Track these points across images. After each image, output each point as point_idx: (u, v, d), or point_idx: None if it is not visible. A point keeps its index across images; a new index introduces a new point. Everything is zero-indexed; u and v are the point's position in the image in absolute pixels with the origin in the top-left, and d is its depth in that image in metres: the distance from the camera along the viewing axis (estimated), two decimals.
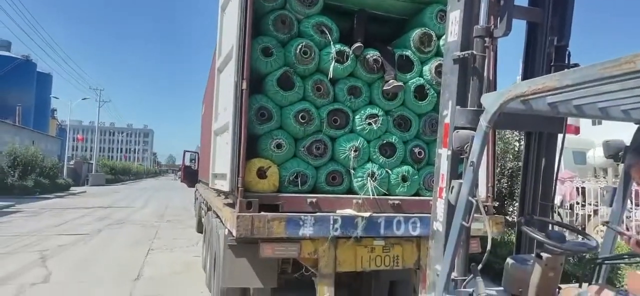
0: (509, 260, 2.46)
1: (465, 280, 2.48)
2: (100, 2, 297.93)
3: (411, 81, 4.04)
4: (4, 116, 30.93)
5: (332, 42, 3.82)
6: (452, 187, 2.21)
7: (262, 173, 3.60)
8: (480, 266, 2.23)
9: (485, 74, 2.53)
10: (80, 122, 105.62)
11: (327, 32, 3.85)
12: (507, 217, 8.03)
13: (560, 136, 2.86)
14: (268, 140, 3.71)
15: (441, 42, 4.06)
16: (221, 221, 4.24)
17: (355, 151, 3.83)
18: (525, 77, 2.82)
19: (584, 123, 15.46)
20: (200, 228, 9.19)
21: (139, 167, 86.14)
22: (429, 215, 2.79)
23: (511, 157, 9.08)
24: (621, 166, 2.45)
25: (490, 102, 2.00)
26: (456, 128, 2.36)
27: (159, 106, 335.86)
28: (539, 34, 2.80)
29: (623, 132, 2.67)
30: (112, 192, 29.69)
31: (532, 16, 2.81)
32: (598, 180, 9.30)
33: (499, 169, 8.48)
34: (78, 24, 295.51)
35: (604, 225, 2.44)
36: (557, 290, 2.27)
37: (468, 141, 2.17)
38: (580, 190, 9.01)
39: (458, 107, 2.47)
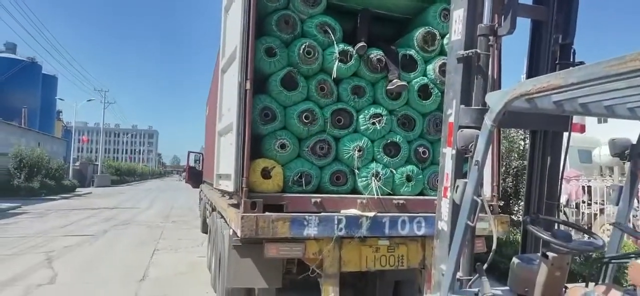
0: (515, 260, 2.45)
1: (470, 279, 2.47)
2: (105, 4, 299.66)
3: (415, 80, 4.03)
4: (10, 118, 31.16)
5: (335, 42, 3.82)
6: (457, 186, 2.20)
7: (266, 174, 3.61)
8: (485, 265, 2.22)
9: (489, 72, 2.52)
10: (85, 123, 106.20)
11: (330, 31, 3.84)
12: (513, 216, 8.01)
13: (565, 134, 2.84)
14: (272, 140, 3.71)
15: (445, 41, 4.05)
16: (226, 221, 4.25)
17: (359, 151, 3.82)
18: (529, 75, 2.81)
19: (590, 122, 15.36)
20: (205, 229, 9.22)
21: (143, 168, 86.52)
22: (433, 214, 2.78)
23: (516, 155, 9.05)
24: (627, 164, 2.43)
25: (495, 100, 1.99)
26: (460, 127, 2.35)
27: (163, 107, 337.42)
28: (544, 32, 2.78)
29: (629, 131, 2.65)
30: (118, 193, 29.83)
31: (537, 14, 2.79)
32: (604, 178, 9.24)
33: (504, 168, 8.45)
34: (83, 25, 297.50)
35: (614, 226, 2.42)
36: (564, 289, 2.25)
37: (472, 140, 2.16)
38: (586, 188, 8.95)
39: (462, 106, 2.46)
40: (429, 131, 4.13)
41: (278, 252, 3.43)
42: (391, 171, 3.94)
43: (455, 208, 2.33)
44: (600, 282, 2.32)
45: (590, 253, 4.54)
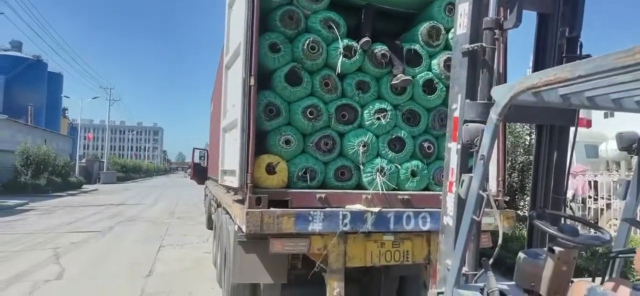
0: (521, 254, 2.43)
1: (476, 274, 2.46)
2: (109, 2, 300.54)
3: (420, 75, 4.01)
4: (17, 115, 31.41)
5: (339, 37, 3.81)
6: (462, 180, 2.19)
7: (271, 169, 3.61)
8: (491, 260, 2.21)
9: (495, 66, 2.50)
10: (91, 120, 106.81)
11: (334, 27, 3.83)
12: (518, 212, 7.97)
13: (572, 129, 2.82)
14: (276, 136, 3.71)
15: (450, 36, 4.02)
16: (231, 217, 4.27)
17: (364, 146, 3.82)
18: (535, 69, 2.78)
19: (596, 117, 15.25)
20: (210, 225, 9.27)
21: (149, 164, 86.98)
22: (438, 209, 2.77)
23: (522, 151, 9.00)
24: (634, 158, 2.41)
25: (501, 94, 1.97)
26: (466, 121, 2.34)
27: (168, 104, 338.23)
28: (550, 25, 2.75)
29: (636, 125, 2.63)
30: (123, 190, 30.01)
31: (543, 7, 2.76)
32: (610, 173, 9.17)
33: (509, 163, 8.41)
34: (87, 24, 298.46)
35: (624, 221, 2.39)
36: (570, 284, 2.24)
37: (478, 134, 2.15)
38: (592, 184, 8.89)
39: (467, 100, 2.44)
40: (433, 126, 4.11)
41: (283, 248, 3.43)
42: (396, 166, 3.93)
43: (461, 203, 2.32)
44: (607, 277, 2.30)
45: (597, 248, 4.51)
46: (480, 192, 2.07)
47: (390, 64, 3.94)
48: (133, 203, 19.15)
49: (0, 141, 23.96)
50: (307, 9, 3.86)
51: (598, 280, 2.16)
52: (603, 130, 12.71)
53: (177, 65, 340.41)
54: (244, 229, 3.33)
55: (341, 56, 3.77)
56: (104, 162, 45.16)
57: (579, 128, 2.82)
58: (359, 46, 3.85)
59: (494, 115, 2.02)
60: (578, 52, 2.70)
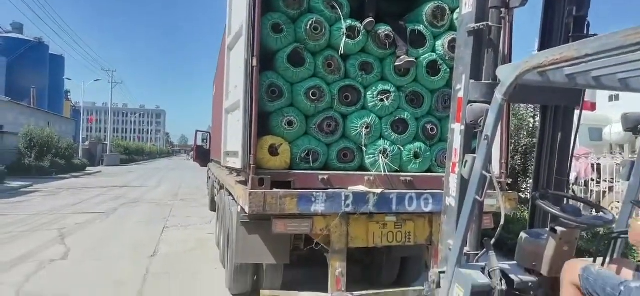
0: (523, 234, 2.45)
1: (477, 254, 2.48)
2: None
3: (423, 56, 3.98)
4: (19, 98, 31.40)
5: (342, 18, 3.76)
6: (466, 161, 2.18)
7: (273, 151, 3.61)
8: (493, 241, 2.22)
9: (500, 46, 2.48)
10: (93, 103, 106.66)
11: (337, 7, 3.79)
12: (521, 194, 7.99)
13: (576, 111, 2.80)
14: (279, 118, 3.71)
15: (455, 16, 3.97)
16: (234, 198, 4.29)
17: (366, 128, 3.81)
18: (542, 49, 2.75)
19: (601, 101, 15.16)
20: (213, 207, 9.32)
21: (152, 147, 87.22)
22: (441, 191, 2.77)
23: (525, 133, 8.98)
24: (639, 140, 2.39)
25: (506, 74, 1.96)
26: (470, 102, 2.32)
27: (170, 87, 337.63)
28: (557, 4, 2.71)
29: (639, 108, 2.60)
30: (127, 172, 30.17)
31: None
32: (614, 156, 9.14)
33: (512, 146, 8.39)
34: (88, 6, 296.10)
35: (633, 204, 2.38)
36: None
37: (482, 115, 2.14)
38: (595, 166, 8.88)
39: (472, 80, 2.42)
40: (437, 108, 4.09)
41: (286, 228, 3.45)
42: (399, 148, 3.92)
43: (464, 184, 2.32)
44: (608, 258, 2.31)
45: (599, 230, 4.52)
46: (484, 172, 2.07)
47: (394, 45, 3.90)
48: (136, 185, 19.26)
49: (4, 123, 24.04)
50: None
51: (599, 260, 2.16)
52: (607, 114, 12.65)
53: (180, 48, 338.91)
54: (247, 210, 3.35)
55: (344, 37, 3.74)
56: (107, 144, 45.31)
57: (583, 111, 2.80)
58: (362, 27, 3.81)
59: (499, 95, 2.01)
60: (585, 32, 2.66)
